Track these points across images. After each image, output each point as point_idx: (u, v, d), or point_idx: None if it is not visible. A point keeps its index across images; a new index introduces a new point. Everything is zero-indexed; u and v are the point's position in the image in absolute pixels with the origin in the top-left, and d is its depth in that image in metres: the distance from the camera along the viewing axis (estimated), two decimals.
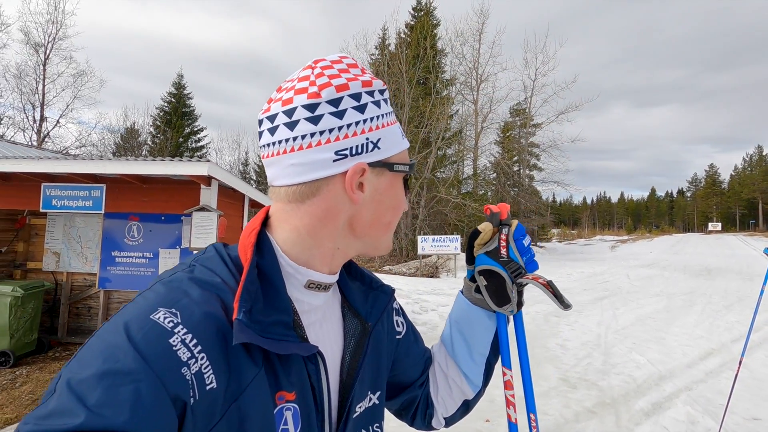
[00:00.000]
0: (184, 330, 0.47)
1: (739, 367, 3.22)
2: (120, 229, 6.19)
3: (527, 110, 28.15)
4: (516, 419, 0.84)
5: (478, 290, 0.82)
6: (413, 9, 26.92)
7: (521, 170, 29.05)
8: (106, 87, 40.09)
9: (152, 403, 0.42)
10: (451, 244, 14.56)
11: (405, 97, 21.24)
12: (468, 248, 0.84)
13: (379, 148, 0.59)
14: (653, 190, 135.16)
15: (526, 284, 0.79)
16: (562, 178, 27.12)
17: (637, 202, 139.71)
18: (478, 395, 0.85)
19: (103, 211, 5.38)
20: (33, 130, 22.80)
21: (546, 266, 17.72)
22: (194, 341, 0.47)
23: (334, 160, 0.56)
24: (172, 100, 31.50)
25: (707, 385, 4.78)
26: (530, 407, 0.84)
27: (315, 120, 0.55)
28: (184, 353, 0.46)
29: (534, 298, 10.06)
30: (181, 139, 30.81)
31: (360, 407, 0.67)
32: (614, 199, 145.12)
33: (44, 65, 23.02)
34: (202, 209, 5.01)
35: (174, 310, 0.48)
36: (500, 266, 0.79)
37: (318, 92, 0.55)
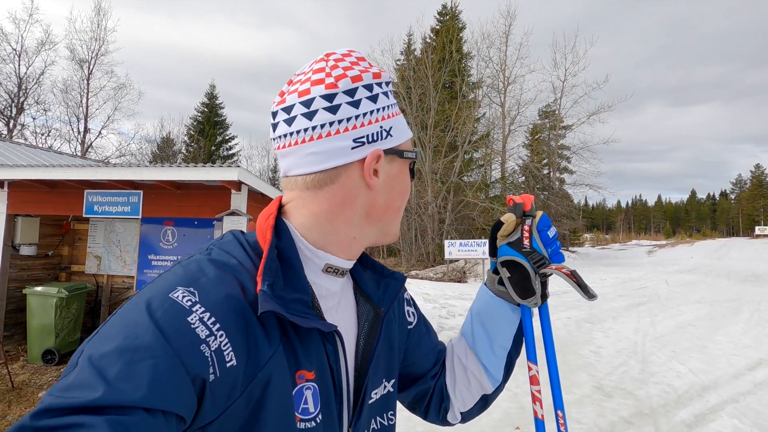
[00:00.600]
0: (202, 309, 0.48)
1: None
2: (156, 234, 6.45)
3: (557, 112, 27.50)
4: (542, 416, 0.82)
5: (501, 282, 0.80)
6: (438, 13, 26.91)
7: (551, 173, 28.35)
8: (144, 99, 42.17)
9: (170, 378, 0.43)
10: (478, 249, 14.34)
11: (431, 101, 21.19)
12: (491, 240, 0.83)
13: (391, 136, 0.62)
14: (693, 193, 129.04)
15: (550, 274, 0.77)
16: (595, 181, 26.30)
17: (676, 205, 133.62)
18: (498, 390, 0.83)
19: (140, 217, 5.62)
20: (77, 141, 24.17)
21: (579, 272, 17.14)
22: (212, 319, 0.48)
23: (353, 148, 0.58)
24: (205, 110, 32.64)
25: (756, 397, 4.49)
26: (558, 404, 0.81)
27: (333, 109, 0.57)
28: (202, 331, 0.47)
29: (566, 303, 9.76)
30: (213, 148, 31.84)
31: (375, 393, 0.67)
32: (651, 202, 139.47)
33: (88, 80, 24.40)
34: (233, 213, 5.15)
35: (192, 289, 0.50)
36: (522, 256, 0.77)
37: (335, 83, 0.57)
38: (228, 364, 0.48)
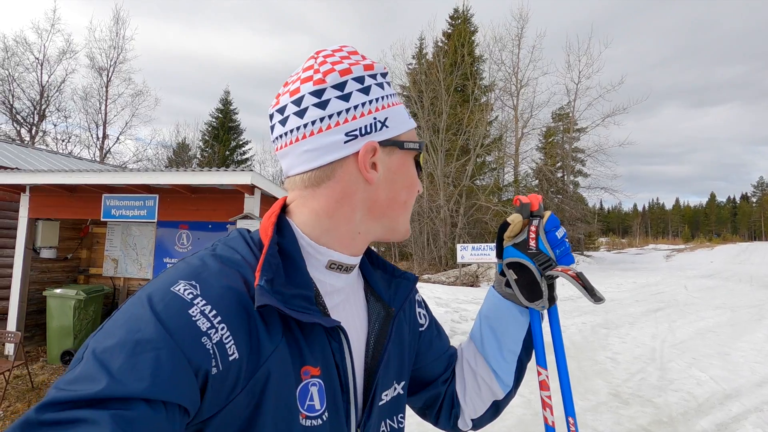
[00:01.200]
0: (204, 301, 0.48)
1: None
2: (171, 237, 6.55)
3: (570, 114, 27.18)
4: (553, 422, 0.80)
5: (508, 284, 0.79)
6: (450, 17, 26.90)
7: (565, 176, 27.99)
8: (160, 105, 43.05)
9: (172, 370, 0.43)
10: (491, 253, 14.20)
11: (443, 104, 21.15)
12: (497, 240, 0.81)
13: (387, 127, 0.60)
14: (713, 196, 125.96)
15: (556, 276, 0.75)
16: (610, 184, 25.84)
17: (695, 209, 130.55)
18: (509, 396, 0.81)
19: (156, 220, 5.71)
20: (96, 146, 24.72)
21: (593, 276, 16.87)
22: (213, 312, 0.48)
23: (345, 142, 0.57)
24: (220, 115, 33.09)
25: None
26: (568, 410, 0.79)
27: (323, 105, 0.57)
28: (203, 323, 0.47)
29: (580, 308, 9.59)
30: (227, 153, 32.25)
31: (386, 395, 0.66)
32: (668, 205, 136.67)
33: (107, 87, 24.96)
34: (246, 217, 5.20)
35: (194, 282, 0.50)
36: (527, 258, 0.75)
37: (323, 78, 0.57)
38: (230, 358, 0.48)
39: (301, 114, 0.57)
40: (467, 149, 22.13)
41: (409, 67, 25.31)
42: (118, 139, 25.46)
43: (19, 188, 6.12)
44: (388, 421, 0.67)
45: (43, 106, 22.84)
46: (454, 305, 9.48)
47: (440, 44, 25.37)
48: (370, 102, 0.58)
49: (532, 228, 0.77)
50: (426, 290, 11.09)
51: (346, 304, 0.64)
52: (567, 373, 0.81)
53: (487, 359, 0.79)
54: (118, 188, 5.73)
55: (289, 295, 0.53)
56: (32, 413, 0.39)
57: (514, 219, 0.78)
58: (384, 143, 0.59)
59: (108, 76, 24.92)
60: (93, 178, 5.41)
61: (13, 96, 21.74)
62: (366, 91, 0.58)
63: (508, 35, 25.01)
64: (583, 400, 4.42)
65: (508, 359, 0.79)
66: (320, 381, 0.55)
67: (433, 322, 0.83)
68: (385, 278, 0.72)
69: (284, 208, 0.64)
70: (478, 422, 0.82)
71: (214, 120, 33.00)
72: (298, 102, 0.58)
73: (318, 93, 0.57)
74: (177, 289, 0.48)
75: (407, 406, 0.77)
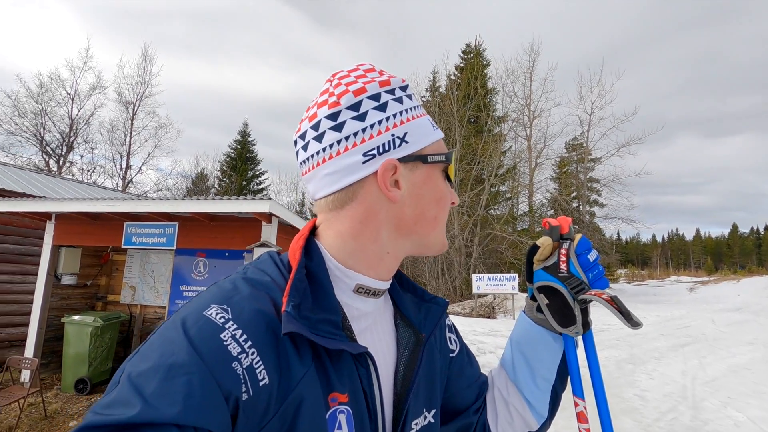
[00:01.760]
0: (235, 326, 0.48)
1: None
2: (188, 265, 6.61)
3: (584, 144, 27.17)
4: None
5: (540, 309, 0.76)
6: (463, 52, 27.65)
7: (581, 206, 27.67)
8: (182, 137, 44.46)
9: (204, 395, 0.43)
10: (508, 283, 13.94)
11: (456, 135, 21.43)
12: (527, 264, 0.79)
13: (407, 142, 0.59)
14: (735, 227, 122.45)
15: (590, 301, 0.72)
16: (627, 215, 25.35)
17: (717, 240, 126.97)
18: (543, 427, 0.77)
19: (174, 248, 5.79)
20: (119, 176, 25.54)
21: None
22: (244, 336, 0.48)
23: (364, 162, 0.57)
24: (238, 146, 34.04)
25: None
26: None
27: (339, 127, 0.57)
28: (234, 348, 0.47)
29: (603, 342, 9.23)
30: (244, 183, 32.94)
31: (416, 424, 0.63)
32: (689, 236, 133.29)
33: (132, 120, 26.03)
34: (263, 245, 5.24)
35: (225, 306, 0.50)
36: (559, 281, 0.73)
37: (337, 101, 0.57)
38: (261, 383, 0.47)
39: (319, 138, 0.58)
40: (481, 179, 22.20)
41: (423, 99, 25.89)
42: (140, 169, 26.30)
43: (46, 216, 6.31)
44: None
45: (72, 138, 23.87)
46: (470, 337, 9.23)
47: (453, 77, 25.97)
48: (387, 119, 0.58)
49: (563, 251, 0.75)
50: None
51: (374, 328, 0.63)
52: (606, 405, 0.77)
53: (520, 388, 0.76)
54: (139, 216, 5.87)
55: (316, 320, 0.52)
56: None
57: (544, 242, 0.77)
58: (405, 159, 0.58)
59: (134, 109, 26.05)
60: (116, 206, 5.55)
61: (44, 129, 22.82)
62: (382, 108, 0.58)
63: (520, 68, 25.60)
64: None
65: (542, 388, 0.75)
66: (348, 408, 0.54)
67: (464, 348, 0.81)
68: (415, 302, 0.71)
69: (313, 231, 0.64)
70: None
71: (232, 151, 33.93)
72: (316, 127, 0.58)
73: (333, 116, 0.57)
74: (209, 313, 0.49)
75: None
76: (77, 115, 24.28)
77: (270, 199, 5.13)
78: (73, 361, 5.82)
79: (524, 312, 0.81)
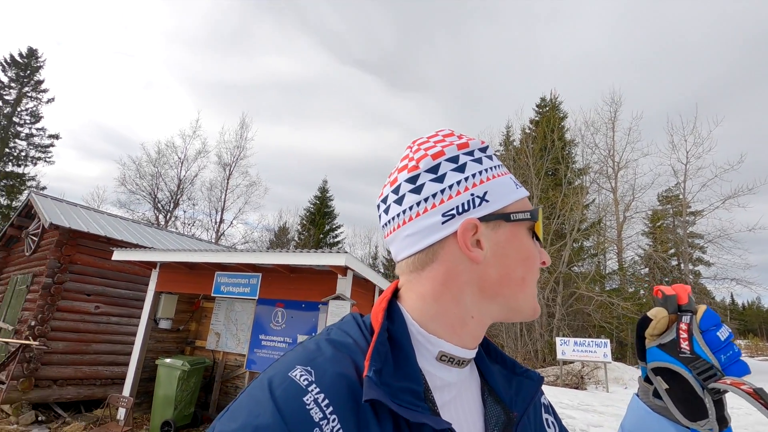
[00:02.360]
0: (318, 389, 0.48)
1: None
2: (268, 315, 6.91)
3: (681, 196, 24.69)
4: None
5: (657, 394, 0.65)
6: (537, 105, 27.48)
7: (681, 265, 24.63)
8: (268, 194, 48.61)
9: None
10: (598, 350, 12.50)
11: (533, 188, 20.79)
12: (637, 339, 0.68)
13: (487, 201, 0.58)
14: None
15: (725, 391, 0.58)
16: (742, 275, 21.93)
17: None
18: None
19: (257, 297, 6.12)
20: (213, 229, 28.34)
21: None
22: (326, 401, 0.47)
23: (443, 222, 0.57)
24: (317, 201, 36.23)
25: None
26: None
27: (418, 190, 0.58)
28: (316, 413, 0.46)
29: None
30: (321, 236, 34.57)
31: None
32: None
33: (227, 179, 29.28)
34: (338, 298, 5.33)
35: (309, 368, 0.50)
36: (680, 364, 0.61)
37: (417, 165, 0.59)
38: None
39: (399, 201, 0.60)
40: (562, 234, 20.98)
41: (497, 153, 25.75)
42: (231, 223, 29.00)
43: (152, 264, 7.09)
44: None
45: (178, 196, 27.33)
46: (557, 411, 8.27)
47: (528, 131, 25.70)
48: (466, 179, 0.58)
49: (683, 326, 0.63)
50: None
51: (459, 402, 0.58)
52: None
53: None
54: (228, 266, 6.35)
55: (397, 388, 0.50)
56: None
57: (658, 314, 0.66)
58: (485, 218, 0.57)
59: (230, 170, 29.31)
60: (209, 257, 6.08)
61: (158, 188, 26.53)
62: (461, 169, 0.58)
63: (601, 119, 24.50)
64: None
65: None
66: None
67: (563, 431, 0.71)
68: (504, 374, 0.65)
69: (396, 293, 0.63)
70: None
71: (311, 206, 36.12)
72: (396, 190, 0.60)
73: (413, 179, 0.59)
74: (294, 374, 0.49)
75: None
76: (184, 176, 27.89)
77: (346, 252, 5.27)
78: (162, 402, 6.19)
79: (638, 395, 0.70)
